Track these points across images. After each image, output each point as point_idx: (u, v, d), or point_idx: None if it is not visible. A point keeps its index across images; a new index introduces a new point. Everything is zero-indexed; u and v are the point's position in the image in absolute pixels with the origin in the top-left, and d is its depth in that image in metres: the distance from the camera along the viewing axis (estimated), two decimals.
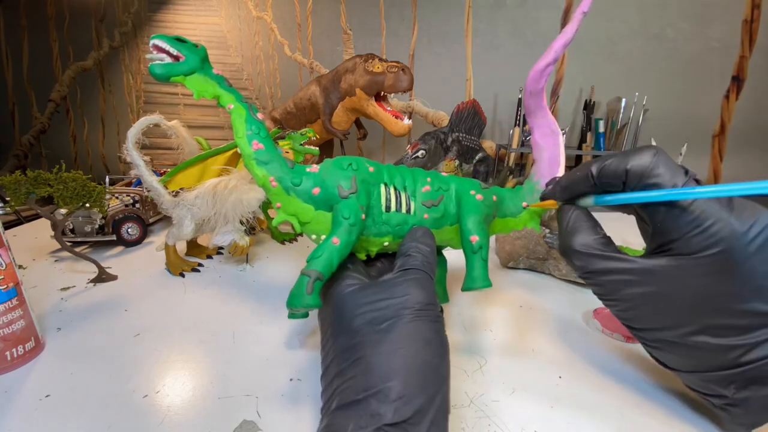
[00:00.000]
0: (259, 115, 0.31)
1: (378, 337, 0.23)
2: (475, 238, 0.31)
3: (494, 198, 0.35)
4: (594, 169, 0.25)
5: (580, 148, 0.93)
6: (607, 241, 0.26)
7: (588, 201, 0.27)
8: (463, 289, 0.32)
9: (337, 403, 0.22)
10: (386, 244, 0.32)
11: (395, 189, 0.32)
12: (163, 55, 0.30)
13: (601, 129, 0.90)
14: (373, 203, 0.30)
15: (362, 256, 0.33)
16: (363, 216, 0.29)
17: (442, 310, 0.27)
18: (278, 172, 0.30)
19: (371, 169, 0.31)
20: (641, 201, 0.23)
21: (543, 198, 0.30)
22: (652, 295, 0.24)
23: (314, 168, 0.31)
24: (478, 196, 0.33)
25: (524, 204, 0.35)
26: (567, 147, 0.87)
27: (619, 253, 0.25)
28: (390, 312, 0.24)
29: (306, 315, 0.31)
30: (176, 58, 0.30)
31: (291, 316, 0.31)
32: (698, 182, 0.23)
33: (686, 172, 0.23)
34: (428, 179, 0.33)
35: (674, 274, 0.23)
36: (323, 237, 0.31)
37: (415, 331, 0.23)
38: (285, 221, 0.31)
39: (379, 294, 0.25)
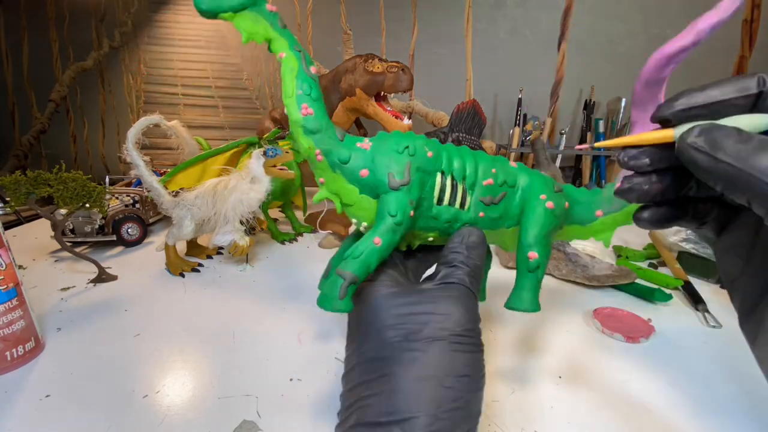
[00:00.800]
0: (313, 69, 0.26)
1: (410, 356, 0.20)
2: (533, 255, 0.26)
3: (566, 204, 0.29)
4: (754, 81, 0.14)
5: None
6: None
7: (755, 121, 0.15)
8: (506, 306, 0.28)
9: (356, 420, 0.20)
10: (431, 239, 0.28)
11: (452, 179, 0.27)
12: None
13: (601, 129, 0.90)
14: (425, 195, 0.26)
15: (402, 248, 0.29)
16: (412, 213, 0.25)
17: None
18: (326, 144, 0.26)
19: (430, 153, 0.26)
20: None
21: (656, 119, 0.17)
22: None
23: (366, 144, 0.27)
24: (549, 204, 0.27)
25: (598, 212, 0.29)
26: (567, 147, 0.87)
27: None
28: (428, 331, 0.21)
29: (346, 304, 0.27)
30: None
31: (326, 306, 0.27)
32: None
33: None
34: (493, 170, 0.28)
35: None
36: (364, 224, 0.28)
37: (452, 360, 0.20)
38: (326, 199, 0.28)
39: (418, 306, 0.22)
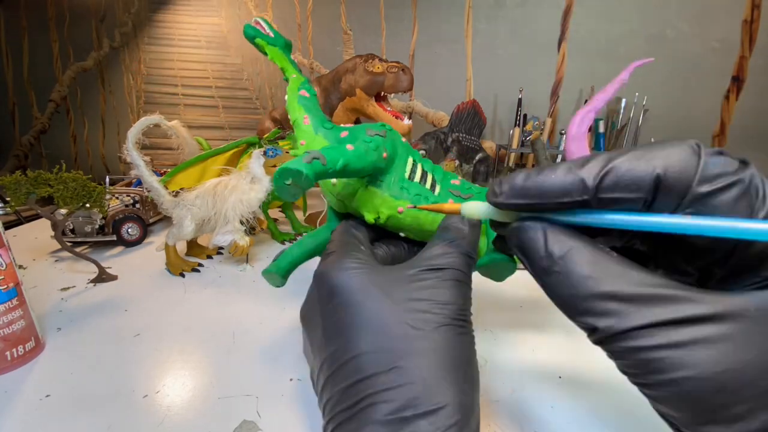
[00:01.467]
0: (314, 88, 0.37)
1: (423, 345, 0.19)
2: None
3: None
4: (592, 175, 0.14)
5: None
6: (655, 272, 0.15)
7: (566, 219, 0.15)
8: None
9: (364, 420, 0.18)
10: (400, 212, 0.28)
11: (422, 169, 0.30)
12: (259, 29, 0.37)
13: (601, 129, 0.90)
14: (397, 164, 0.29)
15: (370, 218, 0.29)
16: (385, 155, 0.27)
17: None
18: (314, 114, 0.33)
19: (404, 139, 0.31)
20: (707, 233, 0.13)
21: (493, 202, 0.17)
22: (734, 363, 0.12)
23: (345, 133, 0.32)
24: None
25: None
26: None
27: (689, 290, 0.13)
28: (433, 317, 0.20)
29: (281, 279, 0.32)
30: (268, 35, 0.37)
31: (265, 272, 0.32)
32: None
33: (744, 162, 0.14)
34: (459, 180, 0.31)
35: None
36: (334, 180, 0.30)
37: (461, 344, 0.20)
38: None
39: (418, 293, 0.21)
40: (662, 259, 0.17)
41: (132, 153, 0.47)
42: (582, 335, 0.15)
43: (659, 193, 0.14)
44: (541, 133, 0.90)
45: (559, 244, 0.15)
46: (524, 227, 0.16)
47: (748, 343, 0.12)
